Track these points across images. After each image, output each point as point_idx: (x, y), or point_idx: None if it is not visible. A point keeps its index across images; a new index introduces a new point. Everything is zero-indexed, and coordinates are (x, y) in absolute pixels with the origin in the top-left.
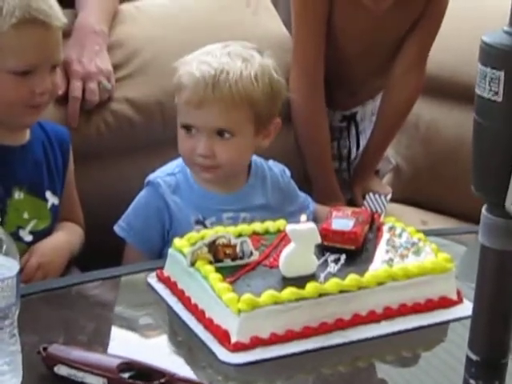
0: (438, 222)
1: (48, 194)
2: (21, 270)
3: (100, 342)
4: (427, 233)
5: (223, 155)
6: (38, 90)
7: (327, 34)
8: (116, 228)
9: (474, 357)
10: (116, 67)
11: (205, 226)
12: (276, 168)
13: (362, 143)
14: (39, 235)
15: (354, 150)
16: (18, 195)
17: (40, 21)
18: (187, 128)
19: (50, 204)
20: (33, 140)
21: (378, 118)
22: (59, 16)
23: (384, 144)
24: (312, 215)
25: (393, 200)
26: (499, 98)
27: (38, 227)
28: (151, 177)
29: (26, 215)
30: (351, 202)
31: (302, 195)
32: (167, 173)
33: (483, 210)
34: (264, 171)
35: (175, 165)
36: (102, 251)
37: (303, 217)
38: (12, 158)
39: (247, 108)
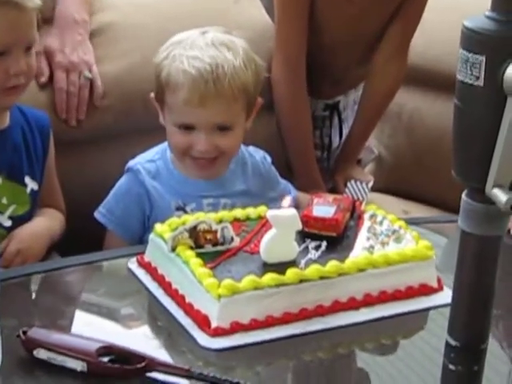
0: (419, 211)
1: (27, 179)
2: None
3: (79, 327)
4: (408, 221)
5: (224, 147)
6: (12, 70)
7: (310, 22)
8: (96, 214)
9: (453, 342)
10: (97, 54)
11: (185, 212)
12: (257, 154)
13: (345, 132)
14: (18, 220)
15: (336, 139)
16: None
17: (13, 2)
18: (185, 127)
19: (29, 189)
20: (12, 125)
21: (359, 107)
22: None
23: (366, 133)
24: (293, 202)
25: (375, 189)
26: (480, 83)
27: (17, 212)
28: (131, 163)
29: (4, 200)
30: (333, 191)
31: (283, 182)
32: (147, 159)
33: (463, 195)
34: (244, 157)
35: (155, 151)
36: (83, 237)
37: (286, 200)
38: None
39: (243, 98)
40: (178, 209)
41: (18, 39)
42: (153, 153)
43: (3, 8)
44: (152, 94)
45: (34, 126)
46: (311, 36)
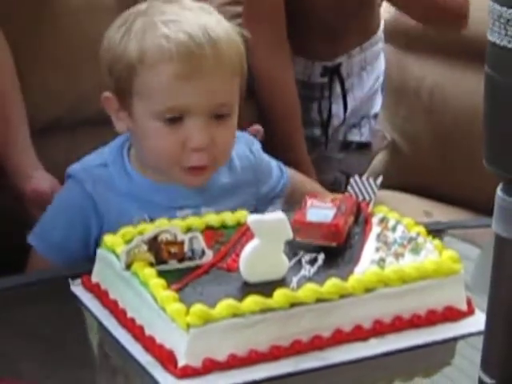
0: (444, 213)
1: None
2: None
3: (8, 370)
4: (429, 226)
5: (223, 142)
6: None
7: None
8: (30, 237)
9: (488, 381)
10: None
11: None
12: (241, 143)
13: (350, 105)
14: None
15: (339, 112)
16: None
17: None
18: (174, 115)
19: None
20: None
21: None
22: None
23: None
24: (288, 187)
25: (386, 186)
26: None
27: None
28: (73, 169)
29: None
30: (335, 184)
31: (274, 167)
32: (96, 163)
33: (498, 190)
34: None
35: (106, 152)
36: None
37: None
38: None
39: (239, 72)
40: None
41: None
42: (102, 154)
43: None
44: (106, 94)
45: None
46: None
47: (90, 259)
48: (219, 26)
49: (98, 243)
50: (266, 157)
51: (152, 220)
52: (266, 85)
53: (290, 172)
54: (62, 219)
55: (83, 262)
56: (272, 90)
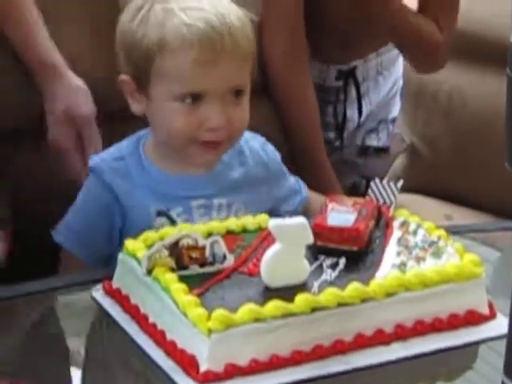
0: (464, 217)
1: None
2: None
3: (30, 376)
4: (449, 230)
5: (238, 120)
6: None
7: None
8: (53, 234)
9: None
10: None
11: (170, 219)
12: (254, 140)
13: (366, 109)
14: None
15: (354, 117)
16: None
17: None
18: (193, 98)
19: None
20: None
21: None
22: None
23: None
24: (304, 203)
25: (407, 190)
26: None
27: None
28: (93, 162)
29: None
30: (353, 190)
31: (292, 179)
32: (114, 157)
33: None
34: (240, 145)
35: (123, 146)
36: (32, 258)
37: None
38: None
39: (251, 57)
40: (160, 214)
41: None
42: (120, 148)
43: None
44: (123, 76)
45: None
46: None
47: (111, 264)
48: (234, 12)
49: (121, 234)
50: (281, 164)
51: (169, 209)
52: (284, 92)
53: (308, 192)
54: (84, 212)
55: (104, 268)
56: (290, 96)
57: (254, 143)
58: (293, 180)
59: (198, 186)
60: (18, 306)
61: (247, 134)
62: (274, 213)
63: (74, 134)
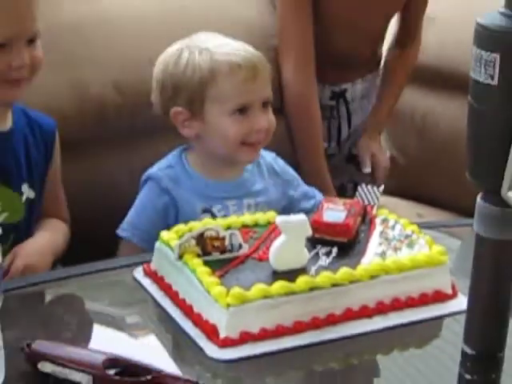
0: (434, 215)
1: (24, 187)
2: (6, 272)
3: (84, 338)
4: (421, 225)
5: (272, 124)
6: (14, 63)
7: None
8: (119, 231)
9: (469, 351)
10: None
11: (212, 214)
12: (267, 155)
13: (354, 123)
14: (9, 229)
15: (345, 128)
16: None
17: None
18: (241, 110)
19: (24, 197)
20: (14, 128)
21: (382, 84)
22: None
23: (390, 109)
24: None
25: (387, 193)
26: (495, 82)
27: (9, 220)
28: (151, 172)
29: None
30: (341, 190)
31: (308, 188)
32: (166, 165)
33: (478, 198)
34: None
35: (171, 157)
36: (87, 243)
37: None
38: None
39: (270, 75)
40: (205, 211)
41: (19, 31)
42: (168, 159)
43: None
44: (177, 109)
45: (38, 131)
46: (324, 14)
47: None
48: (247, 46)
49: None
50: (292, 173)
51: (211, 206)
52: (293, 99)
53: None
54: (145, 212)
55: (144, 254)
56: (298, 103)
57: (267, 157)
58: (307, 188)
59: (232, 190)
60: (76, 283)
61: (261, 150)
62: (290, 211)
63: None
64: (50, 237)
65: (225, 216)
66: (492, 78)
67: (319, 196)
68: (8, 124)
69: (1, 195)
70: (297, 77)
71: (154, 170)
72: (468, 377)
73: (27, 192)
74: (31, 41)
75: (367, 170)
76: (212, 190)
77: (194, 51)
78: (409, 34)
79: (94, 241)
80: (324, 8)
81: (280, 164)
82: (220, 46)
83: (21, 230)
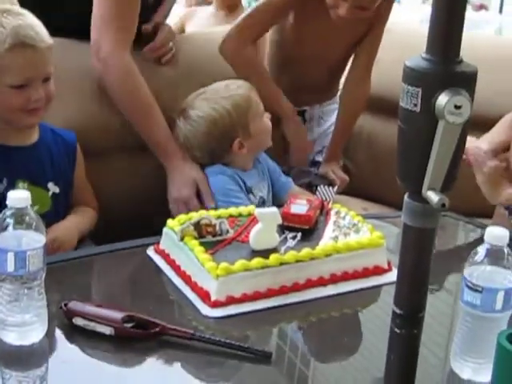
0: (375, 209)
1: (50, 185)
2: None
3: (110, 300)
4: (365, 217)
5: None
6: (33, 98)
7: (293, 33)
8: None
9: (398, 311)
10: None
11: (252, 194)
12: (261, 156)
13: (312, 138)
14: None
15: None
16: (22, 186)
17: (28, 44)
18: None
19: (51, 193)
20: (40, 141)
21: (339, 115)
22: (45, 39)
23: (345, 136)
24: (290, 190)
25: (340, 192)
26: (417, 109)
27: (40, 211)
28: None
29: None
30: (310, 186)
31: (286, 178)
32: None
33: (405, 196)
34: None
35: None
36: (116, 227)
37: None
38: (18, 156)
39: None
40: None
41: (36, 73)
42: (219, 167)
43: (21, 50)
44: (237, 141)
45: (61, 142)
46: (293, 46)
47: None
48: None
49: None
50: (270, 161)
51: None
52: (239, 67)
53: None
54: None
55: (155, 236)
56: (244, 68)
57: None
58: (285, 178)
59: (253, 178)
60: (102, 258)
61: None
62: (273, 187)
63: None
64: (75, 218)
65: (252, 192)
66: (416, 105)
67: (292, 183)
68: (34, 138)
69: (32, 192)
70: (237, 46)
71: (214, 168)
72: (397, 331)
73: (53, 188)
74: (46, 79)
75: (337, 183)
76: (245, 178)
77: (214, 98)
78: (362, 75)
79: (121, 226)
80: (303, 31)
81: (263, 156)
82: (228, 85)
83: (49, 219)
